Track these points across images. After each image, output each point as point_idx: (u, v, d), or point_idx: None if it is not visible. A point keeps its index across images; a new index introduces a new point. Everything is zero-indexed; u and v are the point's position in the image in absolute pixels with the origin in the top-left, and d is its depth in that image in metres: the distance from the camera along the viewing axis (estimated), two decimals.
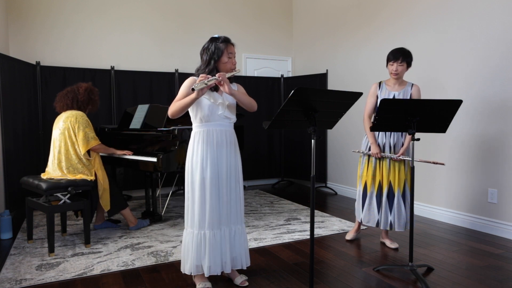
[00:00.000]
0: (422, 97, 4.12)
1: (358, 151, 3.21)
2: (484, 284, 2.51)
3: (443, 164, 2.81)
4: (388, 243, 3.26)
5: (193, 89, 2.18)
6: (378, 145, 3.12)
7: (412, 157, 2.58)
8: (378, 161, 3.12)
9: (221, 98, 2.39)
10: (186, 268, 2.42)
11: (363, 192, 3.19)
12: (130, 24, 5.46)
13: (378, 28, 4.79)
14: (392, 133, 3.07)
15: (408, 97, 3.04)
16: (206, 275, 2.40)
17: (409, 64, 3.05)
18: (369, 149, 3.18)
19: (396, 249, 3.19)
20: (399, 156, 3.01)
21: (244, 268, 2.53)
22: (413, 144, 2.56)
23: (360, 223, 3.35)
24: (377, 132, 3.12)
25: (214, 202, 2.37)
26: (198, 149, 2.38)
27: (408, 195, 3.07)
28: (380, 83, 3.18)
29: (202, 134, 2.38)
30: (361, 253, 3.10)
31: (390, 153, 3.09)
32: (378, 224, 3.14)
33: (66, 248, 3.24)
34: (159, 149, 3.66)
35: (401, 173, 3.07)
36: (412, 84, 3.12)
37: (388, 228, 3.11)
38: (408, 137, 3.04)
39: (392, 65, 3.04)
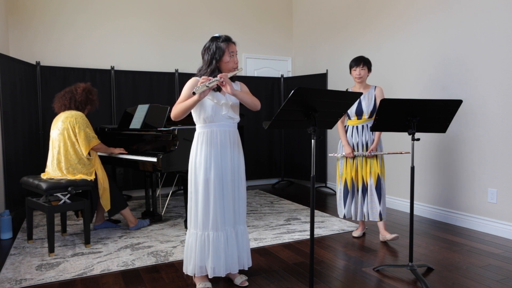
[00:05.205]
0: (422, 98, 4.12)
1: (335, 154, 3.51)
2: (484, 284, 2.51)
3: (408, 152, 3.34)
4: (388, 236, 3.31)
5: (194, 93, 2.17)
6: (352, 145, 3.40)
7: (412, 158, 2.58)
8: (352, 159, 3.39)
9: (224, 99, 2.37)
10: (189, 269, 2.41)
11: (345, 189, 3.43)
12: (130, 24, 5.46)
13: (378, 28, 4.79)
14: (364, 131, 3.36)
15: (373, 98, 3.35)
16: (210, 276, 2.39)
17: (369, 69, 3.39)
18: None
19: (396, 238, 3.29)
20: (370, 152, 3.30)
21: (246, 269, 2.53)
22: (413, 144, 2.56)
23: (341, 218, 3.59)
24: (349, 132, 3.42)
25: (218, 203, 2.36)
26: (202, 150, 2.37)
27: (383, 187, 3.35)
28: (346, 90, 3.28)
29: (206, 135, 2.37)
30: (361, 253, 3.10)
31: (363, 150, 3.37)
32: (356, 216, 3.43)
33: (66, 248, 3.24)
34: (159, 149, 3.66)
35: (374, 166, 3.34)
36: (375, 86, 3.42)
37: (363, 219, 3.40)
38: (377, 133, 3.31)
39: (355, 70, 3.37)
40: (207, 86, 2.17)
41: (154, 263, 2.89)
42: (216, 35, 2.40)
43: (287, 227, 3.82)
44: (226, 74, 2.27)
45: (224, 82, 2.23)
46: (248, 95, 2.43)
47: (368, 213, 3.36)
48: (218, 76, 2.23)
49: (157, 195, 4.35)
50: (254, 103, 2.43)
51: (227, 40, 2.38)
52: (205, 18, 5.94)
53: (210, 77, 2.26)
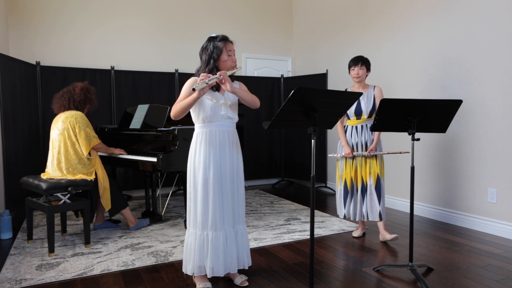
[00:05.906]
0: (421, 98, 4.12)
1: (334, 155, 3.51)
2: (484, 284, 2.51)
3: (407, 152, 3.33)
4: (387, 237, 3.31)
5: (193, 89, 2.17)
6: (351, 145, 3.39)
7: (412, 158, 2.58)
8: (352, 159, 3.38)
9: (223, 98, 2.38)
10: (188, 268, 2.41)
11: (345, 189, 3.43)
12: (130, 24, 5.46)
13: (378, 28, 4.79)
14: (363, 131, 3.35)
15: (372, 98, 3.34)
16: (209, 276, 2.39)
17: (368, 69, 3.39)
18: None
19: (396, 238, 3.29)
20: (369, 152, 3.29)
21: (246, 268, 2.53)
22: (413, 144, 2.56)
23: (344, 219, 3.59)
24: (349, 132, 3.41)
25: (217, 203, 2.36)
26: (201, 150, 2.37)
27: (383, 187, 3.34)
28: (345, 90, 3.30)
29: (205, 135, 2.37)
30: (361, 253, 3.10)
31: (362, 150, 3.36)
32: (355, 216, 3.42)
33: (66, 248, 3.24)
34: (159, 149, 3.66)
35: (373, 166, 3.34)
36: (374, 86, 3.41)
37: (362, 219, 3.39)
38: (377, 133, 3.31)
39: (353, 69, 3.37)
40: (207, 83, 2.18)
41: (154, 263, 2.89)
42: (213, 35, 2.41)
43: (287, 227, 3.82)
44: (225, 72, 2.27)
45: (223, 80, 2.24)
46: (247, 93, 2.43)
47: (367, 213, 3.36)
48: (218, 73, 2.24)
49: (157, 195, 4.35)
50: (253, 100, 2.43)
51: (224, 39, 2.39)
52: (205, 18, 5.94)
53: (210, 74, 2.26)
